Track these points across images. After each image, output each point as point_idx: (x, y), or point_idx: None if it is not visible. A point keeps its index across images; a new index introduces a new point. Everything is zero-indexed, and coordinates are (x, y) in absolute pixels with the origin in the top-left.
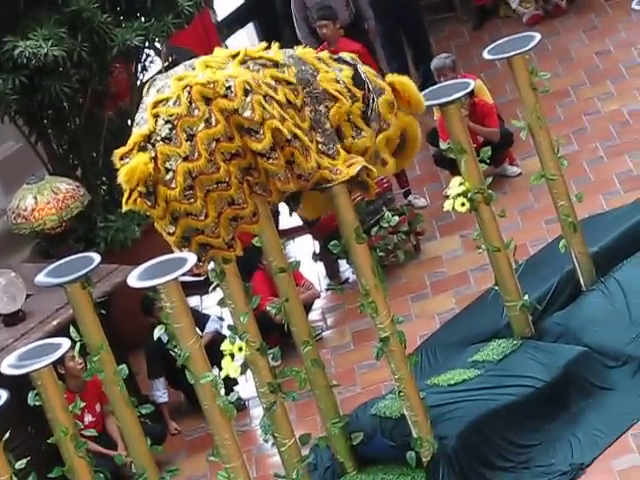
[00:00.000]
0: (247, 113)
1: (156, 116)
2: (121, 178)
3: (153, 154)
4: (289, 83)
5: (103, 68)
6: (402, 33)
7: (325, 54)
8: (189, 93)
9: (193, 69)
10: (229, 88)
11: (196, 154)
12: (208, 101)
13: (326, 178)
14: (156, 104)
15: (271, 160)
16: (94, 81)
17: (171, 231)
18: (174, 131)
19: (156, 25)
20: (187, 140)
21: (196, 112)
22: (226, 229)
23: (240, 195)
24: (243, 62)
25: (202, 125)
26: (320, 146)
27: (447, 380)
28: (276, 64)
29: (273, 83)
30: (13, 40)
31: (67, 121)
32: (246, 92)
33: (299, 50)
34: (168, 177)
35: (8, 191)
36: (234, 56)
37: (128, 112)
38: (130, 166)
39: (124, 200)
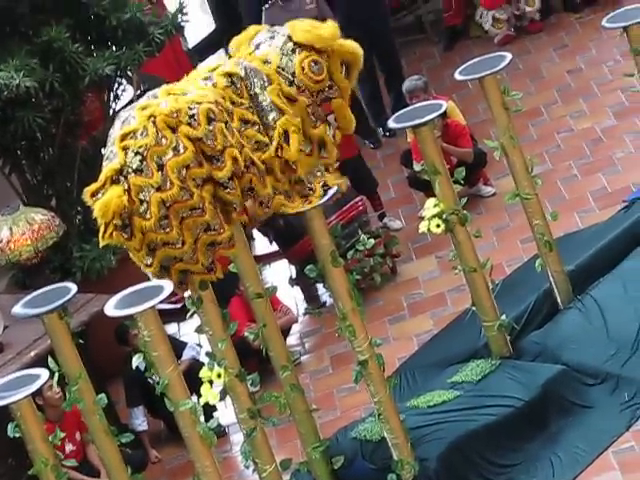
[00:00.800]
0: (210, 141)
1: (125, 149)
2: (96, 213)
3: (126, 186)
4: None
5: (75, 98)
6: (373, 56)
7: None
8: (154, 123)
9: (156, 98)
10: (192, 116)
11: (168, 183)
12: (174, 129)
13: (282, 204)
14: (124, 137)
15: (228, 190)
16: (67, 111)
17: (149, 262)
18: (144, 162)
19: (127, 54)
20: (158, 170)
21: (164, 141)
22: (204, 254)
23: (216, 220)
24: (206, 78)
25: (171, 153)
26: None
27: (427, 402)
28: (231, 80)
29: (230, 107)
30: None
31: (40, 151)
32: (209, 120)
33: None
34: (142, 208)
35: None
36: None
37: (101, 141)
38: (104, 200)
39: (100, 235)
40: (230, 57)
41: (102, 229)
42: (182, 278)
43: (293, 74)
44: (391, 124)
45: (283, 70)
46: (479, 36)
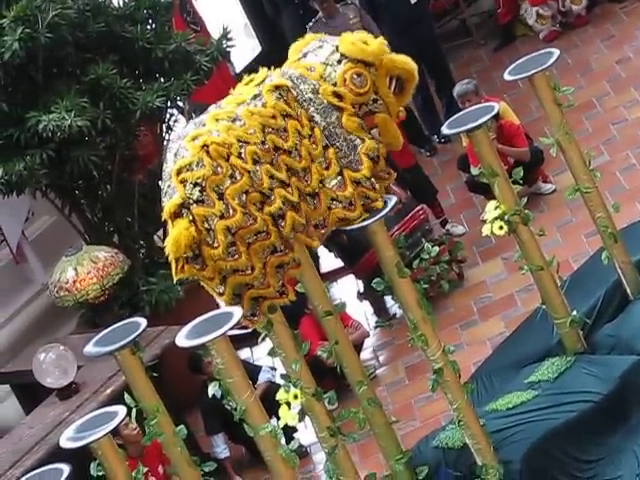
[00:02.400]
0: (257, 180)
1: (183, 182)
2: (168, 250)
3: (190, 217)
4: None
5: (128, 133)
6: (422, 65)
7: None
8: (208, 153)
9: (204, 125)
10: (240, 155)
11: (231, 210)
12: (227, 158)
13: (340, 217)
14: (180, 171)
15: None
16: (121, 147)
17: (221, 291)
18: (204, 192)
19: (176, 84)
20: (219, 199)
21: (219, 170)
22: (274, 277)
23: (280, 241)
24: (255, 97)
25: (228, 181)
26: (342, 160)
27: (505, 404)
28: (279, 92)
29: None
30: (36, 115)
31: (98, 189)
32: (255, 162)
33: (299, 66)
34: (210, 237)
35: (48, 265)
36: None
37: (158, 174)
38: (174, 236)
39: (174, 271)
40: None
41: (174, 264)
42: (254, 306)
43: (335, 84)
44: (445, 130)
45: (325, 80)
46: (525, 34)
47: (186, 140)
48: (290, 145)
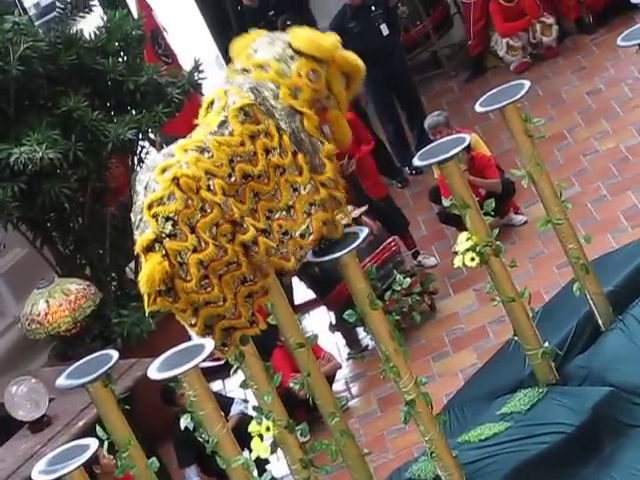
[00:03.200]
0: (227, 210)
1: (155, 216)
2: (142, 285)
3: (163, 252)
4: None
5: (100, 165)
6: (394, 96)
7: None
8: (178, 186)
9: (172, 156)
10: (209, 187)
11: (203, 243)
12: (197, 190)
13: (323, 221)
14: (151, 205)
15: (252, 252)
16: (93, 179)
17: (193, 322)
18: (177, 227)
19: (147, 116)
20: (191, 232)
21: (190, 203)
22: (244, 307)
23: (251, 271)
24: (222, 124)
25: (199, 215)
26: (309, 165)
27: (478, 436)
28: (244, 112)
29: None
30: (7, 147)
31: (70, 221)
32: (224, 193)
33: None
34: (182, 271)
35: (19, 298)
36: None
37: (129, 206)
38: (147, 271)
39: (146, 304)
40: (230, 62)
41: (146, 297)
42: (225, 337)
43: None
44: (416, 162)
45: (281, 77)
46: (496, 66)
47: (156, 173)
48: (259, 169)
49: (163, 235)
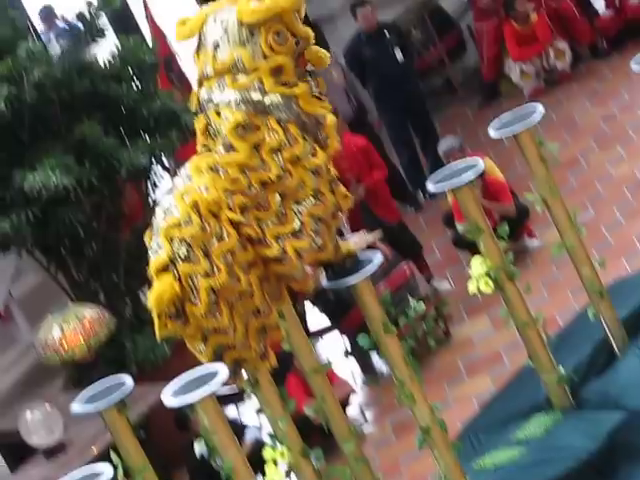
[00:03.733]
0: (249, 228)
1: (171, 239)
2: (151, 305)
3: (176, 274)
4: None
5: (114, 191)
6: (408, 121)
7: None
8: (197, 211)
9: (190, 179)
10: (229, 206)
11: (215, 270)
12: (216, 215)
13: (344, 194)
14: (168, 229)
15: (284, 262)
16: (107, 205)
17: (202, 349)
18: (191, 250)
19: (161, 142)
20: (205, 257)
21: (207, 228)
22: (256, 340)
23: (264, 304)
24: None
25: (215, 241)
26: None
27: (493, 462)
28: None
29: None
30: (22, 174)
31: (84, 248)
32: (242, 210)
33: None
34: (193, 295)
35: (34, 324)
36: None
37: (144, 231)
38: (157, 291)
39: (157, 328)
40: (198, 62)
41: (157, 321)
42: (236, 367)
43: (264, 55)
44: (430, 187)
45: (256, 64)
46: (509, 91)
47: (176, 198)
48: (275, 173)
49: (177, 257)
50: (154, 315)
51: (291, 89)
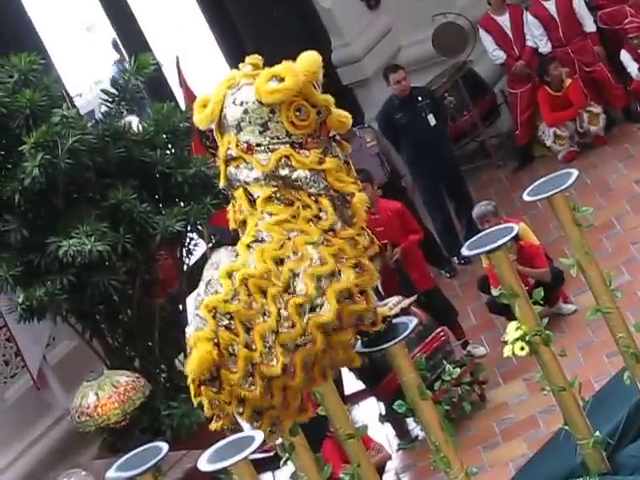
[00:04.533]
0: (300, 292)
1: (214, 313)
2: (189, 370)
3: (215, 341)
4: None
5: (148, 257)
6: (442, 186)
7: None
8: (246, 286)
9: (237, 255)
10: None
11: (254, 346)
12: (264, 292)
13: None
14: (212, 305)
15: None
16: (141, 271)
17: (240, 411)
18: (232, 322)
19: (196, 208)
20: (245, 331)
21: (254, 305)
22: (294, 399)
23: (303, 385)
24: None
25: (259, 319)
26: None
27: None
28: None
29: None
30: (56, 240)
31: (119, 313)
32: (294, 275)
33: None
34: (231, 362)
35: (69, 390)
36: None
37: (178, 297)
38: (196, 357)
39: (192, 394)
40: (222, 142)
41: (192, 387)
42: (274, 425)
43: (288, 134)
44: (465, 252)
45: (279, 138)
46: (543, 155)
47: (220, 274)
48: (316, 238)
49: (219, 326)
50: (190, 381)
51: (317, 162)
